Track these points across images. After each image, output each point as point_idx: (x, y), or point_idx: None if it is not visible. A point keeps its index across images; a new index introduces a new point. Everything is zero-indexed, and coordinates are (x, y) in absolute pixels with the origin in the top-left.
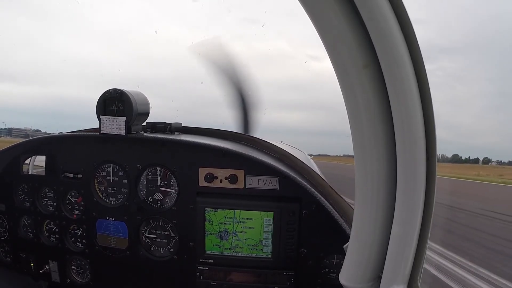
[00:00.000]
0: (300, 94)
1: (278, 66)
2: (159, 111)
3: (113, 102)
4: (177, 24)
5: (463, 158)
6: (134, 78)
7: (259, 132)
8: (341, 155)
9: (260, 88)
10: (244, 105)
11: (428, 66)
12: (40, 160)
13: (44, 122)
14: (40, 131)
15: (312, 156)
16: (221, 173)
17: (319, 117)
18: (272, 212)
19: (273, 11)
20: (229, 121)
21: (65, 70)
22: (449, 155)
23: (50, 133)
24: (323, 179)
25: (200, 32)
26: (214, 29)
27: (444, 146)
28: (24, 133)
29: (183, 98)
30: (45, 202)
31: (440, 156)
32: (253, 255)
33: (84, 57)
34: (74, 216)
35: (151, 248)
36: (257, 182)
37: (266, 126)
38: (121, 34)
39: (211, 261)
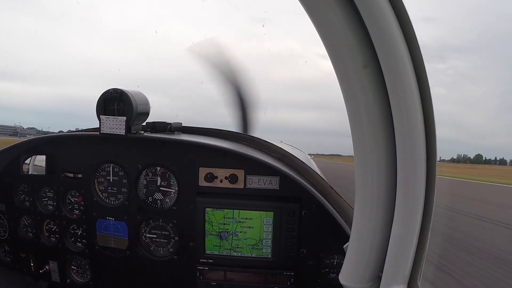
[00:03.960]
0: (310, 93)
1: (288, 65)
2: (159, 111)
3: (113, 101)
4: (186, 24)
5: (490, 159)
6: (145, 78)
7: (267, 132)
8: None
9: (262, 87)
10: (242, 104)
11: (440, 66)
12: (40, 160)
13: (55, 122)
14: (35, 129)
15: (313, 156)
16: (221, 173)
17: (329, 116)
18: (272, 212)
19: (283, 10)
20: (229, 120)
21: (74, 69)
22: (455, 155)
23: (48, 132)
24: (323, 179)
25: (209, 31)
26: (223, 28)
27: (453, 146)
28: (13, 130)
29: (184, 98)
30: (45, 202)
31: (461, 156)
32: (253, 255)
33: (93, 57)
34: (74, 216)
35: (151, 248)
36: (257, 182)
37: (275, 126)
38: (130, 34)
39: (211, 261)
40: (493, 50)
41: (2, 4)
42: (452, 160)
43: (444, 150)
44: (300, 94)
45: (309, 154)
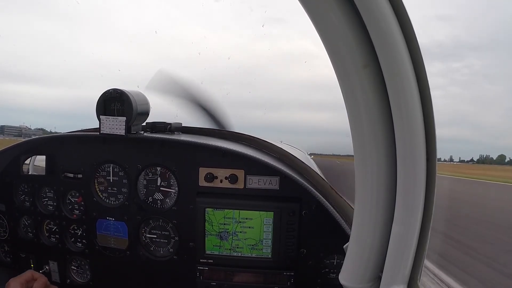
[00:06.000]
0: (326, 94)
1: (302, 65)
2: (159, 111)
3: (113, 102)
4: (199, 25)
5: None
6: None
7: (281, 133)
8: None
9: (278, 88)
10: (209, 113)
11: (455, 64)
12: (40, 160)
13: (69, 124)
14: (44, 129)
15: (313, 156)
16: (221, 173)
17: (344, 117)
18: (272, 212)
19: (297, 10)
20: (229, 120)
21: (90, 72)
22: (475, 156)
23: (55, 133)
24: (323, 179)
25: (222, 32)
26: (236, 29)
27: (472, 147)
28: (18, 131)
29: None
30: (45, 202)
31: (484, 156)
32: (253, 255)
33: (108, 58)
34: (74, 216)
35: (151, 248)
36: (257, 182)
37: (290, 127)
38: (142, 35)
39: (211, 261)
40: (509, 47)
41: (15, 8)
42: (476, 161)
43: (463, 151)
44: (315, 94)
45: (309, 154)
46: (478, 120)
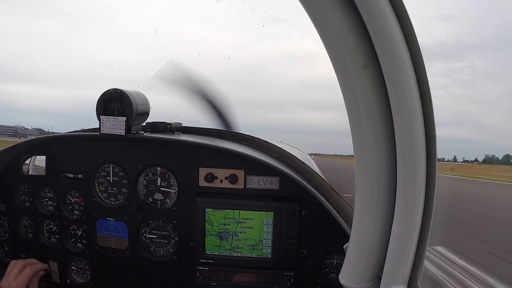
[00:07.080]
0: (327, 94)
1: (303, 65)
2: (159, 111)
3: (113, 102)
4: (200, 25)
5: None
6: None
7: (283, 133)
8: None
9: (280, 88)
10: (217, 111)
11: (457, 64)
12: (40, 160)
13: (71, 123)
14: (41, 129)
15: (312, 156)
16: (221, 173)
17: (345, 117)
18: (272, 212)
19: (297, 9)
20: (235, 119)
21: (90, 72)
22: (479, 156)
23: (54, 133)
24: (323, 179)
25: (226, 32)
26: (237, 29)
27: (476, 147)
28: (13, 130)
29: (184, 98)
30: (45, 202)
31: (489, 156)
32: (253, 255)
33: (108, 58)
34: (74, 216)
35: (151, 249)
36: (257, 182)
37: (290, 127)
38: (145, 35)
39: (211, 261)
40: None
41: (14, 8)
42: (482, 161)
43: (467, 151)
44: (317, 94)
45: (309, 154)
46: (481, 120)
